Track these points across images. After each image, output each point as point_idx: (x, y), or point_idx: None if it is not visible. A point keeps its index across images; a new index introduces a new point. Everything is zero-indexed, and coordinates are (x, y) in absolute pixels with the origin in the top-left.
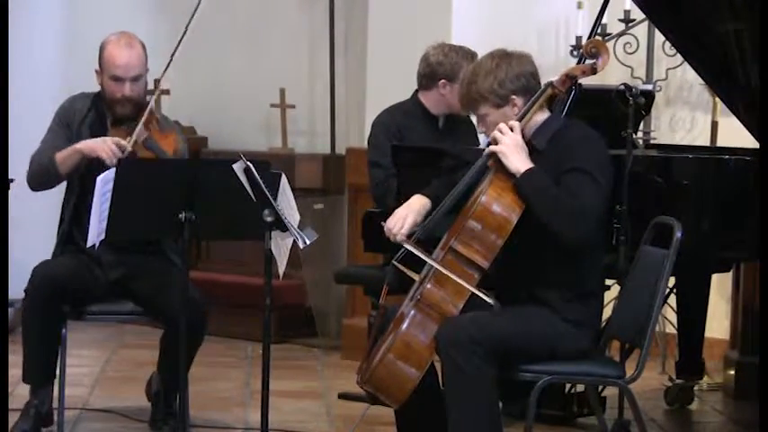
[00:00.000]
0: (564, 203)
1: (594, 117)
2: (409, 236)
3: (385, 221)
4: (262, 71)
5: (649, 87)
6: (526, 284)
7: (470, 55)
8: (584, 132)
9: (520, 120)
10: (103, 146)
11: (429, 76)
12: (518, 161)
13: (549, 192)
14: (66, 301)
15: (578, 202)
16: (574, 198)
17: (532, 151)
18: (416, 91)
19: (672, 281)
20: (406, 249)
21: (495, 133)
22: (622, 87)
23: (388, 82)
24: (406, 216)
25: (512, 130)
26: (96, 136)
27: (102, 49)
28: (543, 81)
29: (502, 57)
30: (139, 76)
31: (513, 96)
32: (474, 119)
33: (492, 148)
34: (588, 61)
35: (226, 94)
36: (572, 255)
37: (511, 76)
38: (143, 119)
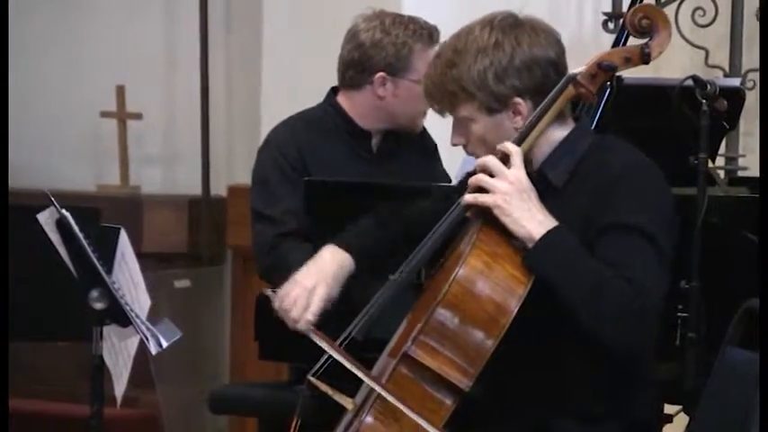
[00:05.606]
0: (614, 291)
1: (644, 131)
2: (319, 324)
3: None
4: (86, 56)
5: (736, 82)
6: (534, 409)
7: (428, 32)
8: (632, 160)
9: (522, 139)
10: None
11: (359, 65)
12: (528, 219)
13: (586, 270)
14: None
15: (636, 286)
16: (627, 278)
17: (545, 188)
18: (334, 89)
19: None
20: (326, 353)
21: (482, 177)
22: (691, 82)
23: (297, 77)
24: (312, 287)
25: (506, 162)
26: None
27: None
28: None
29: (506, 29)
30: None
31: (518, 99)
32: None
33: (479, 198)
34: (635, 41)
35: (28, 95)
36: (612, 362)
37: (518, 64)
38: None
